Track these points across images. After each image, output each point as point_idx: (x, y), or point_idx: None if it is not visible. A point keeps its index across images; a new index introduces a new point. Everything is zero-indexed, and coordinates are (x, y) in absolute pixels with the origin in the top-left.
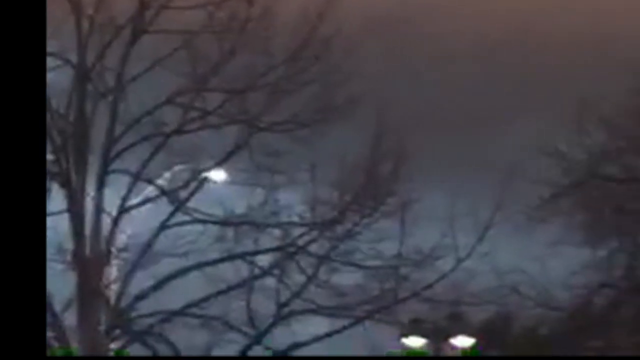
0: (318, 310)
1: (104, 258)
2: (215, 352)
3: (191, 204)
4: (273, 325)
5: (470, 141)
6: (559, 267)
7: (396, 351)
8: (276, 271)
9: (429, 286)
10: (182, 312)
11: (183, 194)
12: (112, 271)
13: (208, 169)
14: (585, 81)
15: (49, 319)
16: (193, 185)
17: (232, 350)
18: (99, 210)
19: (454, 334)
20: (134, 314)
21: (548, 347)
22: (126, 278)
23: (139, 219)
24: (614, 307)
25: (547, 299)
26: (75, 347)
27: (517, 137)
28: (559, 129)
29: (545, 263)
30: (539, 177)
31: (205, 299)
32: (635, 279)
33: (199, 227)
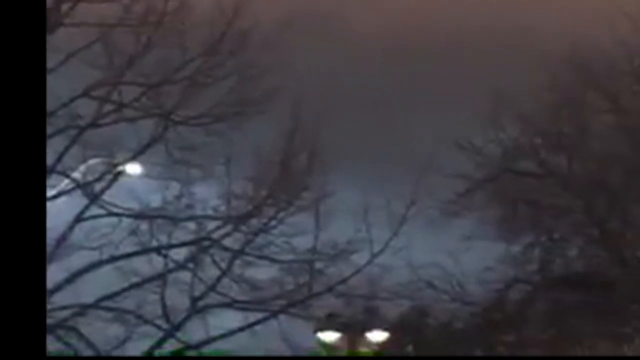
0: (232, 304)
1: None
2: (130, 346)
3: (106, 197)
4: (187, 318)
5: (385, 135)
6: (474, 261)
7: (314, 350)
8: (191, 265)
9: (344, 280)
10: (96, 306)
11: (98, 187)
12: None
13: (123, 163)
14: (500, 75)
15: None
16: (108, 178)
17: (146, 344)
18: None
19: (370, 328)
20: (47, 307)
21: (462, 341)
22: None
23: (53, 212)
24: (527, 302)
25: (462, 294)
26: None
27: (432, 131)
28: (473, 123)
29: (459, 257)
30: (453, 172)
31: (119, 292)
32: (549, 274)
33: (113, 220)
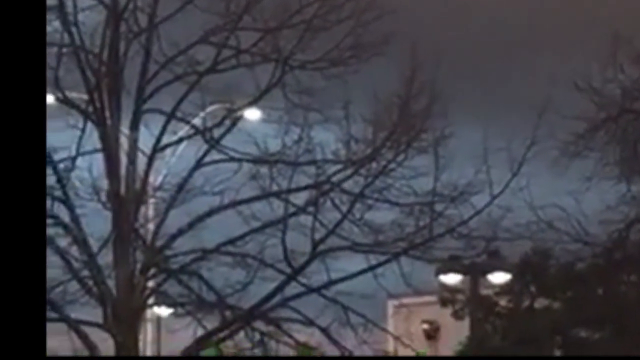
0: (353, 247)
1: (139, 197)
2: (251, 289)
3: (226, 142)
4: (308, 262)
5: (504, 77)
6: (594, 202)
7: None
8: (311, 208)
9: (464, 222)
10: (217, 250)
11: (217, 132)
12: (148, 210)
13: (242, 108)
14: (619, 16)
15: (85, 258)
16: (227, 123)
17: (268, 287)
18: (133, 149)
19: (491, 270)
20: (169, 253)
21: (584, 282)
22: (161, 217)
23: (173, 158)
24: None
25: (583, 234)
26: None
27: (551, 73)
28: (592, 65)
29: (580, 198)
30: (572, 113)
31: (241, 237)
32: None
33: (233, 165)
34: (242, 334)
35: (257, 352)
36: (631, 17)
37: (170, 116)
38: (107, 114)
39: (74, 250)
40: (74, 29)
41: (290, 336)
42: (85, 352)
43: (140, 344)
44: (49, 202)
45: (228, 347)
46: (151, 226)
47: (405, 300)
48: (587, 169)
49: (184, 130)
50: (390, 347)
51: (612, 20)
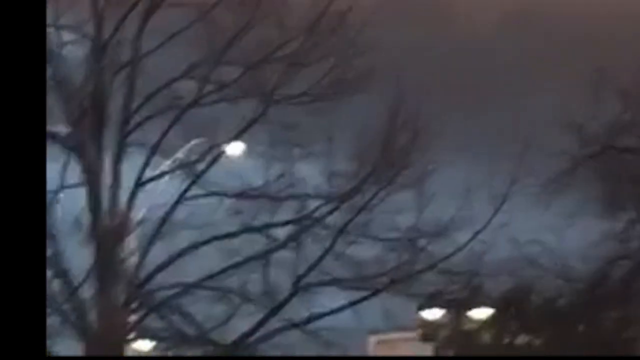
0: (335, 283)
1: (122, 231)
2: (233, 324)
3: (208, 177)
4: (290, 297)
5: (485, 113)
6: (577, 238)
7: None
8: (293, 244)
9: (446, 258)
10: (199, 285)
11: (200, 167)
12: (130, 244)
13: (225, 142)
14: (602, 52)
15: (66, 292)
16: (209, 158)
17: (250, 322)
18: (116, 183)
19: (473, 305)
20: (151, 287)
21: (566, 318)
22: (143, 251)
23: (155, 193)
24: (631, 278)
25: (565, 271)
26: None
27: (533, 109)
28: (574, 101)
29: (562, 234)
30: (555, 149)
31: (222, 271)
32: None
33: (215, 200)
34: None
35: None
36: (614, 53)
37: (153, 150)
38: (90, 147)
39: (55, 284)
40: (57, 62)
41: None
42: None
43: None
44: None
45: None
46: (133, 260)
47: (387, 336)
48: (570, 206)
49: (166, 164)
50: None
51: (595, 56)
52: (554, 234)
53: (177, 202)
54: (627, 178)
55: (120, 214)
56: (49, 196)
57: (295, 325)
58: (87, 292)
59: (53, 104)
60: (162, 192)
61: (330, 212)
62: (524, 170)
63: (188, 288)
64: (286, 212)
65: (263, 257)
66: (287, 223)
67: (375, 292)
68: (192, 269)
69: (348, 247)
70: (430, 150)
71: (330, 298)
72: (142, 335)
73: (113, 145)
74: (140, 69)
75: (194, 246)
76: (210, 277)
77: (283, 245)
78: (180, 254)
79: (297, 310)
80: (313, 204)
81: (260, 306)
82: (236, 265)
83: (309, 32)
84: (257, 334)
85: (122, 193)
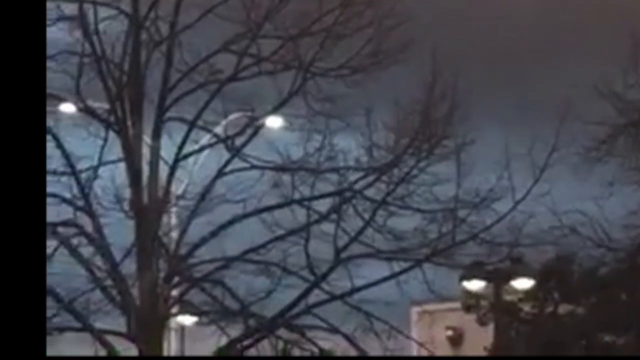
0: (376, 254)
1: (162, 206)
2: (275, 297)
3: (247, 150)
4: (331, 269)
5: (525, 83)
6: (617, 207)
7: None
8: (333, 216)
9: (487, 228)
10: (240, 258)
11: (239, 140)
12: (171, 219)
13: (264, 116)
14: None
15: (108, 267)
16: (249, 131)
17: (291, 295)
18: (155, 158)
19: (514, 276)
20: (192, 261)
21: (608, 287)
22: (184, 226)
23: (196, 167)
24: None
25: (606, 239)
26: None
27: (572, 78)
28: (613, 69)
29: (603, 203)
30: (594, 118)
31: (264, 244)
32: None
33: (255, 173)
34: (265, 342)
35: None
36: None
37: (192, 125)
38: (129, 123)
39: (97, 260)
40: (95, 39)
41: (314, 344)
42: None
43: (164, 353)
44: (72, 212)
45: None
46: (174, 235)
47: (429, 307)
48: (609, 175)
49: (205, 138)
50: (415, 353)
51: (634, 25)
52: (594, 203)
53: (217, 176)
54: None
55: (161, 189)
56: (89, 172)
57: (336, 298)
58: (128, 267)
59: (92, 80)
60: (202, 167)
61: (370, 184)
62: (564, 139)
63: (229, 262)
64: (326, 184)
65: (304, 229)
66: (327, 195)
67: (417, 263)
68: (233, 243)
69: (389, 218)
70: (469, 120)
71: (372, 270)
72: (184, 310)
73: (152, 120)
74: (178, 44)
75: (235, 220)
76: (252, 250)
77: (324, 217)
78: (221, 227)
79: (338, 282)
80: (353, 176)
81: (302, 279)
82: (277, 238)
83: (345, 3)
84: (299, 307)
85: (162, 168)
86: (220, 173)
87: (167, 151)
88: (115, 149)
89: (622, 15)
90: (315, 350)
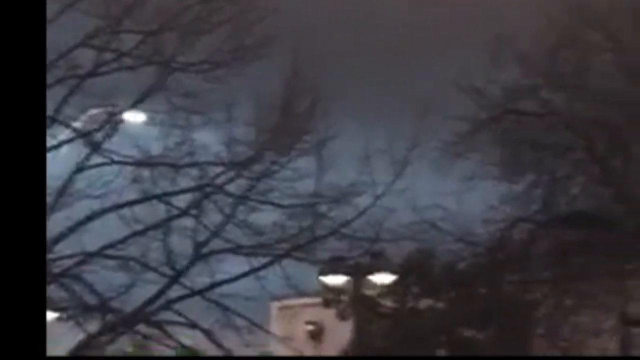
0: (236, 250)
1: None
2: (134, 293)
3: (107, 145)
4: (191, 265)
5: (386, 78)
6: (477, 202)
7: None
8: (194, 211)
9: (347, 223)
10: (100, 254)
11: (99, 135)
12: None
13: (124, 111)
14: (500, 17)
15: None
16: (109, 127)
17: (151, 290)
18: None
19: (374, 271)
20: (51, 256)
21: (467, 281)
22: None
23: (55, 162)
24: (531, 241)
25: (465, 234)
26: None
27: (433, 73)
28: (474, 65)
29: (462, 198)
30: (455, 113)
31: (123, 240)
32: (552, 212)
33: (115, 168)
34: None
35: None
36: (513, 18)
37: (52, 120)
38: None
39: None
40: None
41: (174, 339)
42: None
43: None
44: None
45: None
46: None
47: (289, 302)
48: (469, 170)
49: (65, 133)
50: (274, 348)
51: (494, 21)
52: (454, 198)
53: (76, 171)
54: (526, 142)
55: None
56: None
57: (196, 293)
58: None
59: None
60: (62, 162)
61: (231, 180)
62: (424, 134)
63: (88, 257)
64: (186, 179)
65: (163, 224)
66: (187, 190)
67: (277, 259)
68: (92, 238)
69: (249, 214)
70: (330, 116)
71: (232, 265)
72: None
73: None
74: None
75: (94, 215)
76: (111, 245)
77: (184, 212)
78: (80, 223)
79: (198, 278)
80: (214, 171)
81: (162, 274)
82: (137, 234)
83: None
84: (158, 302)
85: None
86: (80, 168)
87: None
88: None
89: (482, 11)
90: (174, 345)
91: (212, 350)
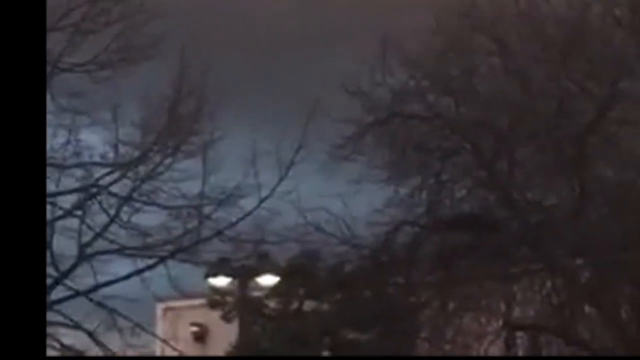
0: (121, 251)
1: None
2: None
3: None
4: (75, 266)
5: (273, 78)
6: (362, 205)
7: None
8: (78, 212)
9: (232, 225)
10: None
11: None
12: None
13: None
14: (386, 19)
15: None
16: None
17: None
18: None
19: (260, 273)
20: None
21: (352, 283)
22: None
23: None
24: (416, 244)
25: (350, 237)
26: None
27: (319, 76)
28: (360, 68)
29: (348, 201)
30: (341, 116)
31: None
32: (437, 216)
33: None
34: None
35: None
36: (400, 20)
37: None
38: None
39: None
40: None
41: (57, 339)
42: None
43: None
44: None
45: None
46: None
47: (174, 304)
48: (356, 172)
49: None
50: (158, 350)
51: (381, 23)
52: (340, 200)
53: None
54: (412, 145)
55: None
56: None
57: (80, 294)
58: None
59: None
60: None
61: (116, 180)
62: (311, 136)
63: None
64: (71, 180)
65: (48, 225)
66: (72, 191)
67: (161, 260)
68: None
69: (134, 214)
70: (216, 117)
71: (117, 266)
72: None
73: None
74: None
75: None
76: None
77: (68, 213)
78: None
79: (82, 279)
80: (98, 172)
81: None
82: None
83: None
84: None
85: None
86: None
87: None
88: None
89: (369, 13)
90: (57, 346)
91: (96, 351)
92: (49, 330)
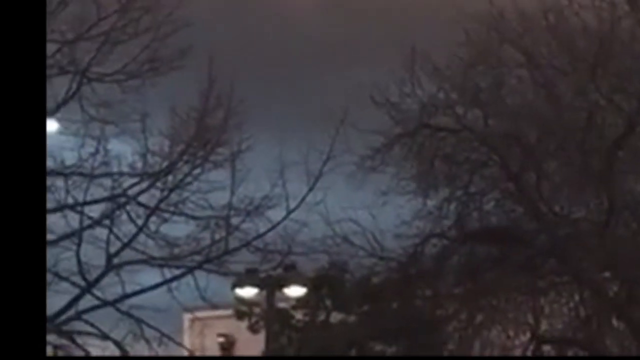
0: (148, 261)
1: None
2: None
3: None
4: (103, 275)
5: (301, 91)
6: (390, 216)
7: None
8: (106, 221)
9: (260, 236)
10: None
11: None
12: None
13: None
14: (415, 31)
15: None
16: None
17: (62, 300)
18: None
19: (287, 284)
20: None
21: (379, 296)
22: None
23: None
24: (444, 256)
25: (378, 249)
26: None
27: (348, 87)
28: (389, 79)
29: (376, 212)
30: (370, 127)
31: None
32: (465, 228)
33: None
34: None
35: None
36: (429, 31)
37: None
38: None
39: None
40: None
41: (84, 349)
42: None
43: None
44: None
45: None
46: None
47: (201, 314)
48: (384, 184)
49: None
50: None
51: (410, 34)
52: (368, 212)
53: None
54: (440, 157)
55: None
56: None
57: (108, 304)
58: None
59: None
60: None
61: (144, 190)
62: (339, 147)
63: None
64: (99, 190)
65: (76, 234)
66: (100, 200)
67: (189, 270)
68: None
69: (162, 225)
70: (244, 128)
71: (144, 276)
72: None
73: None
74: None
75: None
76: None
77: (97, 222)
78: None
79: (110, 288)
80: (127, 182)
81: (73, 284)
82: (49, 243)
83: (123, 9)
84: (70, 312)
85: None
86: None
87: None
88: None
89: (399, 24)
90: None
91: None
92: (78, 340)
